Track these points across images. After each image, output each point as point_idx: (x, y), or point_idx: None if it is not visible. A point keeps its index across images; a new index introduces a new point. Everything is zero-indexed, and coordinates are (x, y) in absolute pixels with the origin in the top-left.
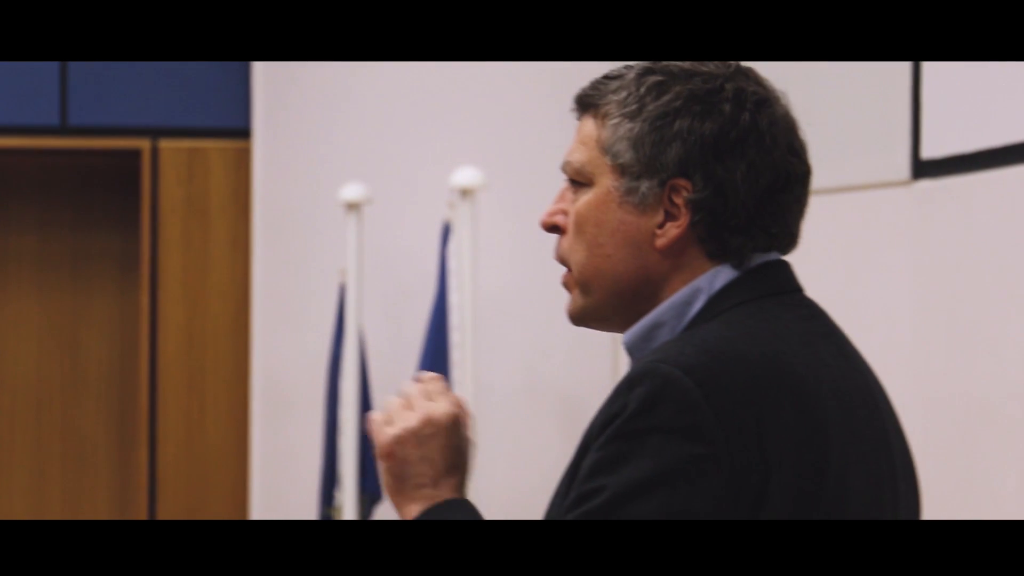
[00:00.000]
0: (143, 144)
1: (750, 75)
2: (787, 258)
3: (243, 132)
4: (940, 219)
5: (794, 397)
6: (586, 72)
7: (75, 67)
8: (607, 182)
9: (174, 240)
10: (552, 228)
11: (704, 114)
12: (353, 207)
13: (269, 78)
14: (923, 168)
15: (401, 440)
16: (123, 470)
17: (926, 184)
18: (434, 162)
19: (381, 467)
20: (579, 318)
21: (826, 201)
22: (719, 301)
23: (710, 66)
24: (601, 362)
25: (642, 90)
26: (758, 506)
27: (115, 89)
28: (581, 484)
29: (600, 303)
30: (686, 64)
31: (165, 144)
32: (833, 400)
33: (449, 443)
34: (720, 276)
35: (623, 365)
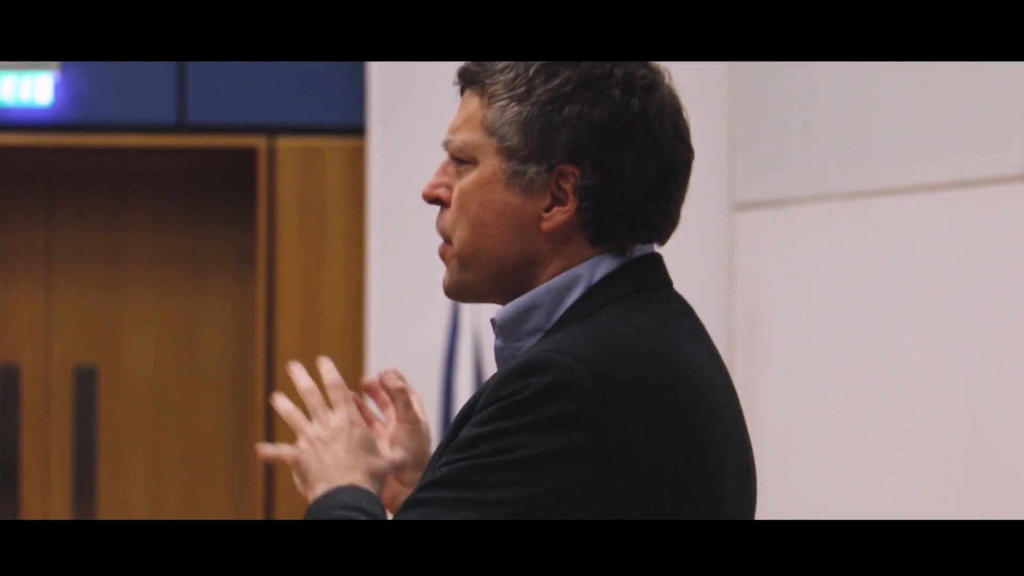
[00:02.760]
0: (259, 142)
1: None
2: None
3: (358, 130)
4: None
5: (680, 394)
6: (689, 70)
7: (192, 65)
8: (492, 163)
9: (290, 237)
10: (435, 200)
11: (594, 100)
12: None
13: (384, 76)
14: None
15: (305, 448)
16: (240, 467)
17: None
18: None
19: (294, 473)
20: (455, 292)
21: (943, 197)
22: (598, 292)
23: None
24: None
25: (531, 72)
26: (636, 496)
27: (232, 87)
28: (452, 453)
29: (478, 280)
30: None
31: (282, 142)
32: (710, 399)
33: (348, 446)
34: (601, 266)
35: (738, 360)
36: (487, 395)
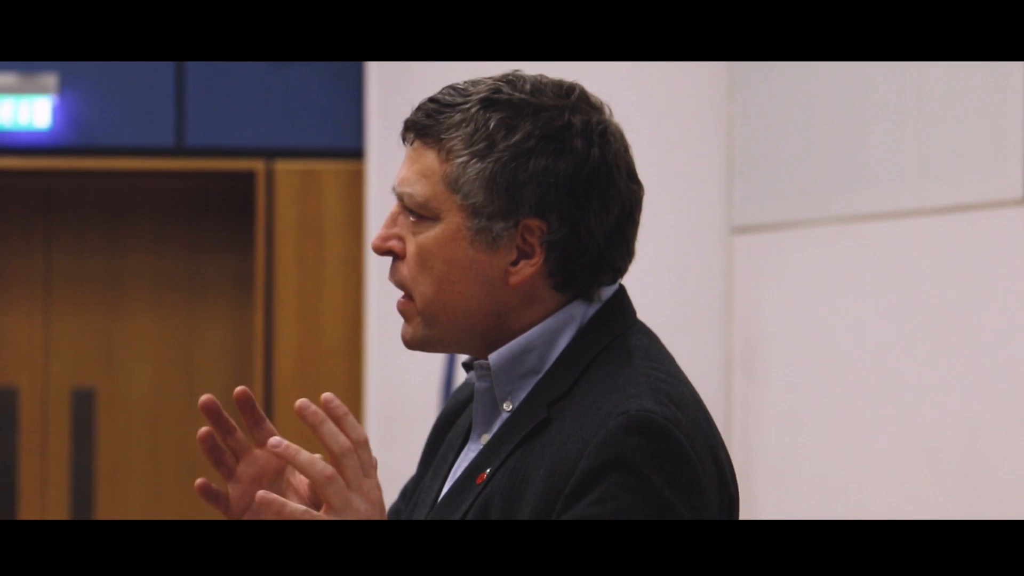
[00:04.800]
0: (258, 165)
1: (589, 99)
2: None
3: (356, 153)
4: None
5: (718, 435)
6: (688, 95)
7: (191, 89)
8: (456, 220)
9: (288, 261)
10: (387, 252)
11: (558, 153)
12: None
13: (382, 99)
14: None
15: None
16: None
17: None
18: None
19: (330, 489)
20: (418, 345)
21: (941, 221)
22: (591, 333)
23: (550, 95)
24: (712, 377)
25: (491, 126)
26: None
27: (230, 111)
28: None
29: (446, 335)
30: (526, 94)
31: (280, 165)
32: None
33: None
34: (590, 307)
35: (736, 382)
36: (590, 462)
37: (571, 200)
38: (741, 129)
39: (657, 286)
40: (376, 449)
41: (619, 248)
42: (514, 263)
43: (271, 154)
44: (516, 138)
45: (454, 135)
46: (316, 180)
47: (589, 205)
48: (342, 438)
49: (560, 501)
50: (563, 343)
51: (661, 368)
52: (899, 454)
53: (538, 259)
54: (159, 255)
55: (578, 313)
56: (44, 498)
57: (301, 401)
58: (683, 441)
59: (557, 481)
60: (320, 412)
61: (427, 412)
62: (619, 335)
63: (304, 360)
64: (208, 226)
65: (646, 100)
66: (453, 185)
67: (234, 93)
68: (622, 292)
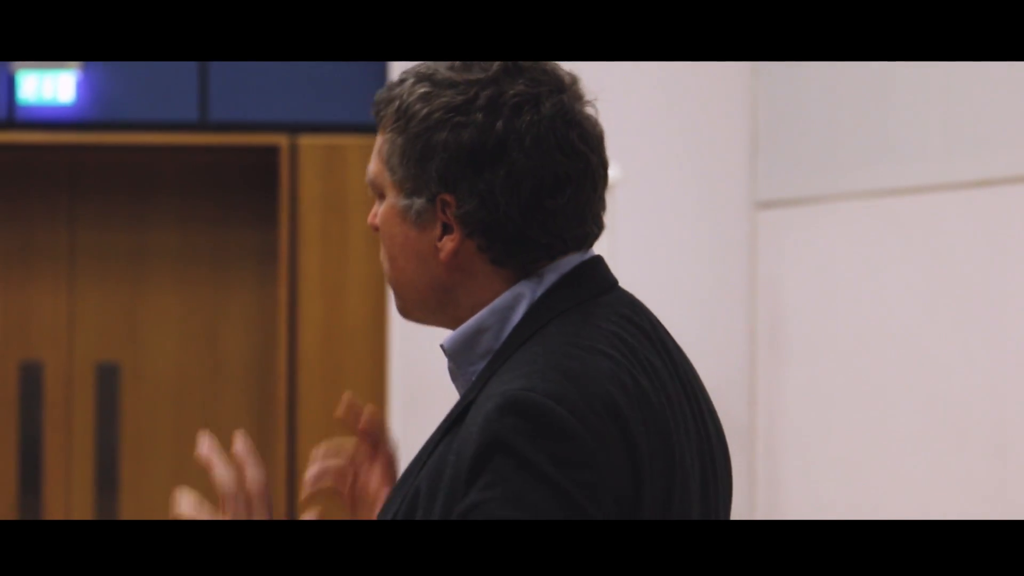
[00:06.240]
0: (281, 140)
1: (526, 73)
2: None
3: None
4: None
5: (643, 410)
6: (712, 69)
7: (214, 64)
8: (391, 197)
9: (312, 236)
10: (376, 229)
11: (460, 126)
12: None
13: None
14: None
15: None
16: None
17: None
18: None
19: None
20: (402, 315)
21: (965, 196)
22: (541, 308)
23: (476, 71)
24: (736, 353)
25: (410, 101)
26: (636, 514)
27: (254, 86)
28: (471, 513)
29: (412, 308)
30: (454, 72)
31: (304, 140)
32: (668, 408)
33: None
34: (543, 282)
35: (761, 358)
36: (473, 447)
37: (475, 173)
38: (765, 104)
39: (681, 261)
40: (399, 424)
41: (540, 223)
42: (439, 239)
43: (295, 129)
44: (425, 112)
45: (387, 110)
46: (340, 155)
47: (495, 177)
48: (227, 481)
49: (461, 487)
50: (515, 320)
51: (581, 342)
52: (924, 429)
53: (457, 234)
54: (183, 230)
55: (527, 291)
56: (69, 472)
57: (202, 448)
58: (565, 416)
59: (460, 466)
60: (211, 455)
61: (450, 387)
62: (565, 311)
63: (328, 335)
64: (232, 201)
65: (670, 76)
66: (387, 162)
67: (258, 68)
68: (586, 265)
